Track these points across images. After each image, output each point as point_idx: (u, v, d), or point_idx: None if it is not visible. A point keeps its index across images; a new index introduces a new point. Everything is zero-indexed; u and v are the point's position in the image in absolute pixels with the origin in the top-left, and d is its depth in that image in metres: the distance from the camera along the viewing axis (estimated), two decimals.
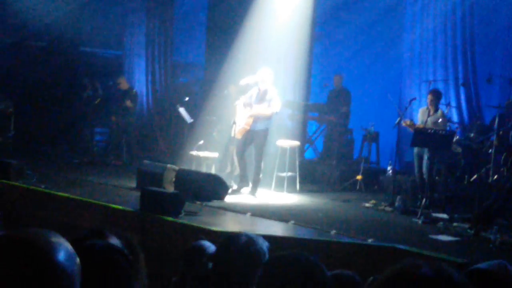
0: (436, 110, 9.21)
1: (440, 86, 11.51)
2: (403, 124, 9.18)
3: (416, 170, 9.31)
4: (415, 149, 9.24)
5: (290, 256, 2.24)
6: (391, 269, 1.34)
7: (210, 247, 3.85)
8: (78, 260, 1.36)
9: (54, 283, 1.28)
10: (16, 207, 8.15)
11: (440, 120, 9.14)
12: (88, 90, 13.01)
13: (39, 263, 1.28)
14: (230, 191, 9.15)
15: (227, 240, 3.16)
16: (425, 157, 9.03)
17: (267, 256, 3.04)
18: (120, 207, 7.75)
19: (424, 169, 9.05)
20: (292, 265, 2.20)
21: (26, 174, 9.18)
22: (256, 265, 3.00)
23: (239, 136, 9.35)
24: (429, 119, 9.11)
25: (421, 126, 9.00)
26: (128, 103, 11.98)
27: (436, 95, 9.30)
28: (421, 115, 9.32)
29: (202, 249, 3.88)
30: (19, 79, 13.20)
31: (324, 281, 2.20)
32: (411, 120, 9.33)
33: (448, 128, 9.73)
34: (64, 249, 1.33)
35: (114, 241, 2.44)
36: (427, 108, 9.26)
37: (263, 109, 9.17)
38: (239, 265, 2.96)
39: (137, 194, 8.02)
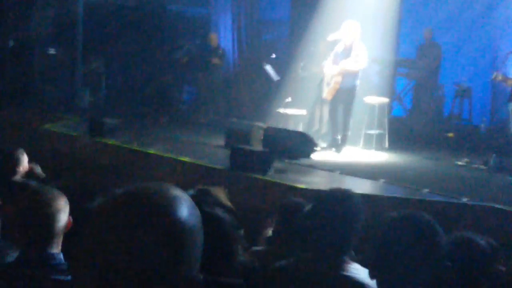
0: None
1: None
2: (494, 78, 8.78)
3: (511, 126, 8.92)
4: (510, 105, 8.82)
5: (410, 216, 2.19)
6: None
7: (304, 203, 3.83)
8: (199, 213, 1.32)
9: (178, 241, 1.25)
10: (110, 165, 8.38)
11: None
12: (186, 47, 13.17)
13: (162, 220, 1.24)
14: (318, 149, 9.08)
15: (324, 196, 3.13)
16: None
17: (363, 211, 3.00)
18: (210, 164, 7.84)
19: None
20: (412, 225, 2.16)
21: (118, 132, 9.41)
22: (353, 220, 2.97)
23: (329, 96, 9.24)
24: None
25: (511, 80, 8.56)
26: (216, 60, 12.04)
27: None
28: None
29: (297, 206, 3.88)
30: (109, 39, 13.46)
31: (441, 241, 2.15)
32: (504, 74, 8.88)
33: None
34: (186, 204, 1.29)
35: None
36: None
37: (350, 65, 8.99)
38: (337, 221, 2.93)
39: (226, 152, 8.09)
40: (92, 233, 1.26)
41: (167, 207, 1.26)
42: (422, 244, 2.15)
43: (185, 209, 1.28)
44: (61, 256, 2.62)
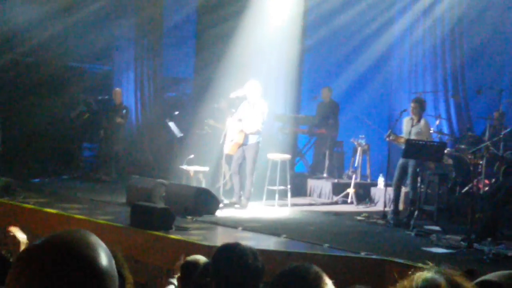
0: (419, 120, 9.11)
1: (430, 98, 11.52)
2: (387, 139, 9.11)
3: (394, 180, 9.16)
4: (400, 161, 9.11)
5: (299, 269, 2.20)
6: None
7: (204, 261, 3.79)
8: (114, 261, 1.31)
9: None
10: (2, 224, 8.01)
11: (423, 129, 9.02)
12: (81, 106, 12.94)
13: (84, 269, 1.23)
14: (221, 205, 9.07)
15: (222, 251, 3.11)
16: (410, 169, 8.92)
17: (261, 265, 3.00)
18: (109, 222, 7.65)
19: (410, 181, 8.95)
20: (300, 277, 2.16)
21: (13, 191, 9.05)
22: (253, 274, 2.95)
23: (232, 152, 9.32)
24: (412, 129, 9.01)
25: (402, 139, 8.92)
26: (119, 119, 11.90)
27: (419, 104, 9.17)
28: (405, 125, 9.22)
29: (197, 264, 3.82)
30: (6, 95, 13.07)
31: None
32: (394, 134, 9.19)
33: (435, 137, 9.75)
34: (104, 251, 1.28)
35: None
36: (411, 118, 9.16)
37: (250, 128, 9.15)
38: (236, 275, 2.91)
39: (127, 209, 7.92)
40: (14, 282, 1.23)
41: (88, 255, 1.25)
42: None
43: (105, 257, 1.27)
44: None
